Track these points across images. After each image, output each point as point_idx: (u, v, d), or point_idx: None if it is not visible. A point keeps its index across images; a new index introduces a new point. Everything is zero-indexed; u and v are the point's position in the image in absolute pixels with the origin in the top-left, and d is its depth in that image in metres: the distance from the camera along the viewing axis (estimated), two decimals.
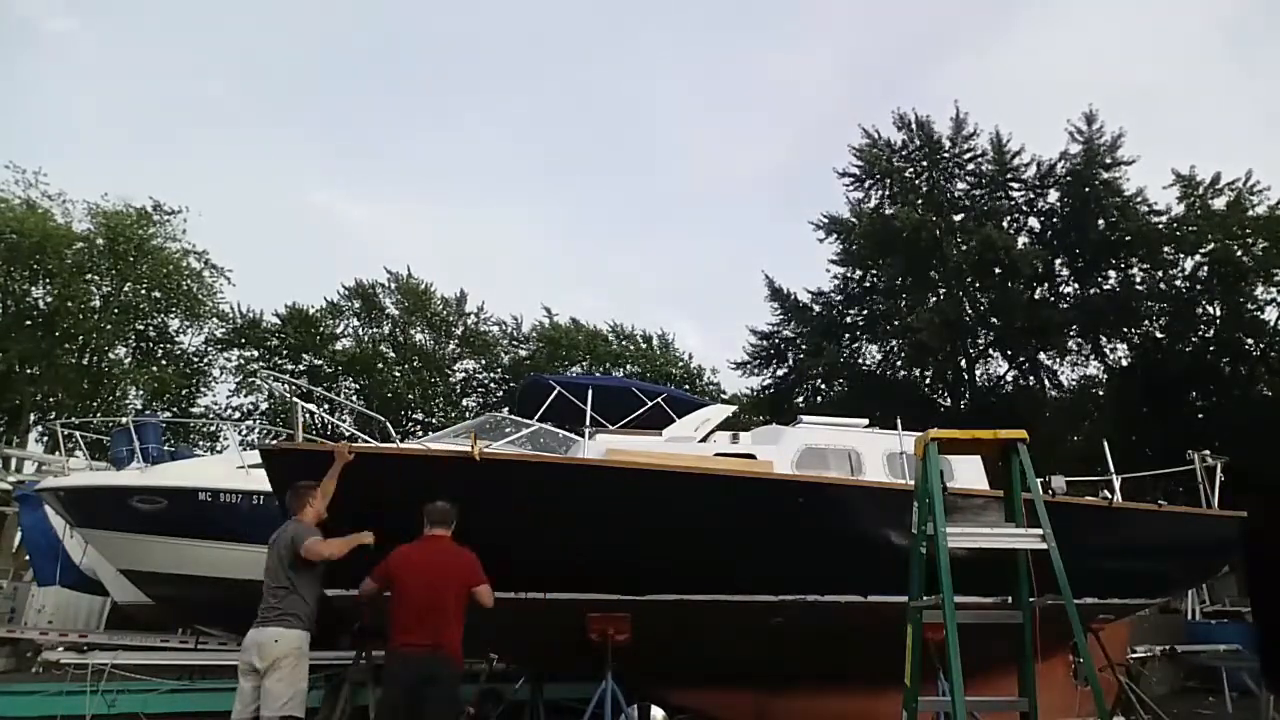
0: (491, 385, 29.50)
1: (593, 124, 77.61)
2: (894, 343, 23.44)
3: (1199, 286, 20.09)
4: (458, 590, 4.69)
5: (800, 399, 24.20)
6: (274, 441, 8.43)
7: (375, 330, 28.99)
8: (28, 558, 11.26)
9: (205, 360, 26.21)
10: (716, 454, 7.30)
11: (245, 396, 26.58)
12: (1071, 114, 24.20)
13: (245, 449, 9.25)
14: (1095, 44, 64.43)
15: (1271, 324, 19.38)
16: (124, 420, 10.17)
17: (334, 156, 70.69)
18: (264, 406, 26.20)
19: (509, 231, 66.57)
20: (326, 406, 18.35)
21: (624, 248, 69.11)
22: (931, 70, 70.44)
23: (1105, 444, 8.06)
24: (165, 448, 11.24)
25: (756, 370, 25.22)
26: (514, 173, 74.81)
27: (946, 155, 22.71)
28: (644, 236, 69.93)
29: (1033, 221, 22.78)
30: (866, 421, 8.34)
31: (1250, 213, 19.14)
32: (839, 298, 24.55)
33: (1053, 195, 22.21)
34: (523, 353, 29.31)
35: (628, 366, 28.52)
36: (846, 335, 24.50)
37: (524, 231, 67.53)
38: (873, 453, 7.50)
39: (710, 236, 70.29)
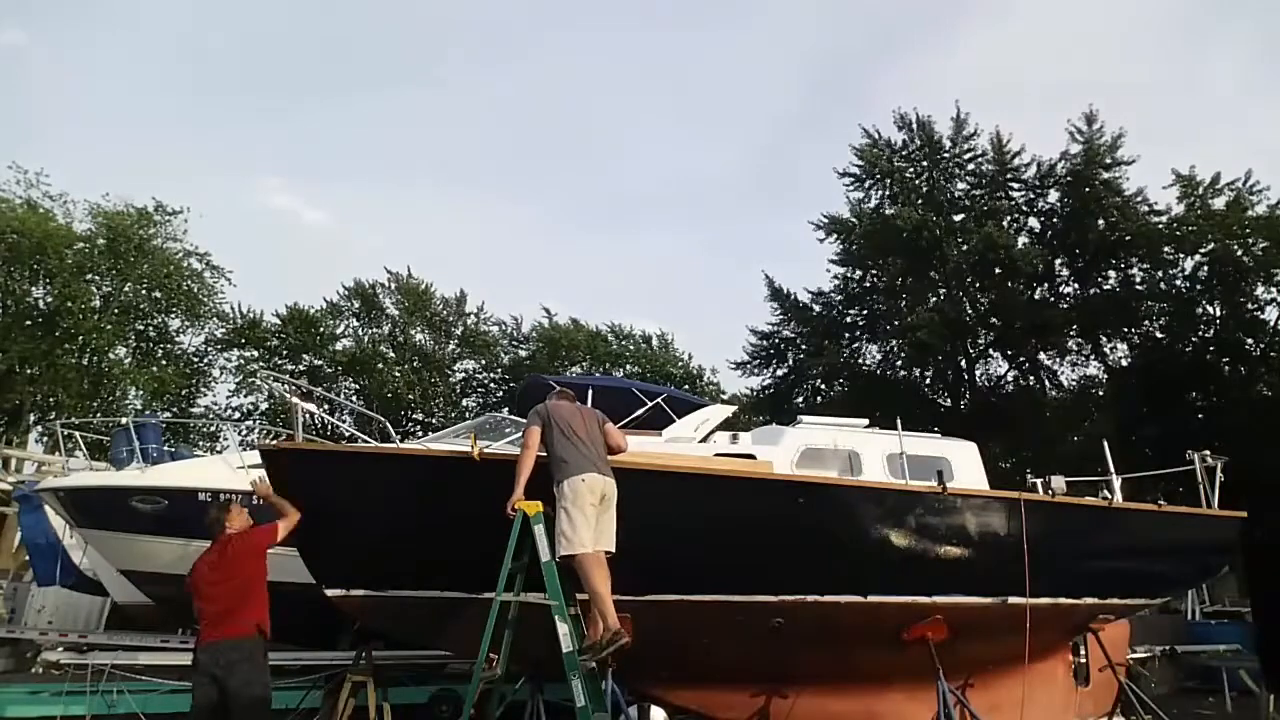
0: (491, 385, 29.53)
1: (576, 126, 77.54)
2: (894, 343, 23.42)
3: (1199, 286, 20.08)
4: (247, 576, 4.88)
5: (800, 399, 24.19)
6: (274, 441, 8.44)
7: (375, 330, 29.01)
8: (28, 558, 11.24)
9: (205, 360, 26.25)
10: (716, 454, 7.29)
11: (245, 396, 26.64)
12: (1067, 111, 24.23)
13: (245, 449, 9.24)
14: (1091, 39, 64.42)
15: (1271, 324, 19.37)
16: (124, 420, 10.15)
17: (328, 158, 70.57)
18: (264, 406, 26.24)
19: (482, 233, 66.76)
20: (326, 406, 18.34)
21: (585, 251, 69.39)
22: (918, 68, 70.51)
23: (1105, 444, 8.04)
24: (165, 448, 11.23)
25: (756, 370, 25.24)
26: (495, 174, 74.92)
27: (947, 155, 22.70)
28: (612, 238, 70.16)
29: (1033, 221, 22.79)
30: (866, 421, 8.32)
31: (1250, 212, 19.13)
32: (839, 298, 24.54)
33: (1053, 195, 22.22)
34: (523, 353, 29.34)
35: (627, 366, 28.54)
36: (846, 335, 24.51)
37: (498, 234, 67.65)
38: (873, 453, 7.49)
39: (680, 237, 70.47)
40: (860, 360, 24.54)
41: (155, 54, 62.07)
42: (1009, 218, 22.36)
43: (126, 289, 22.96)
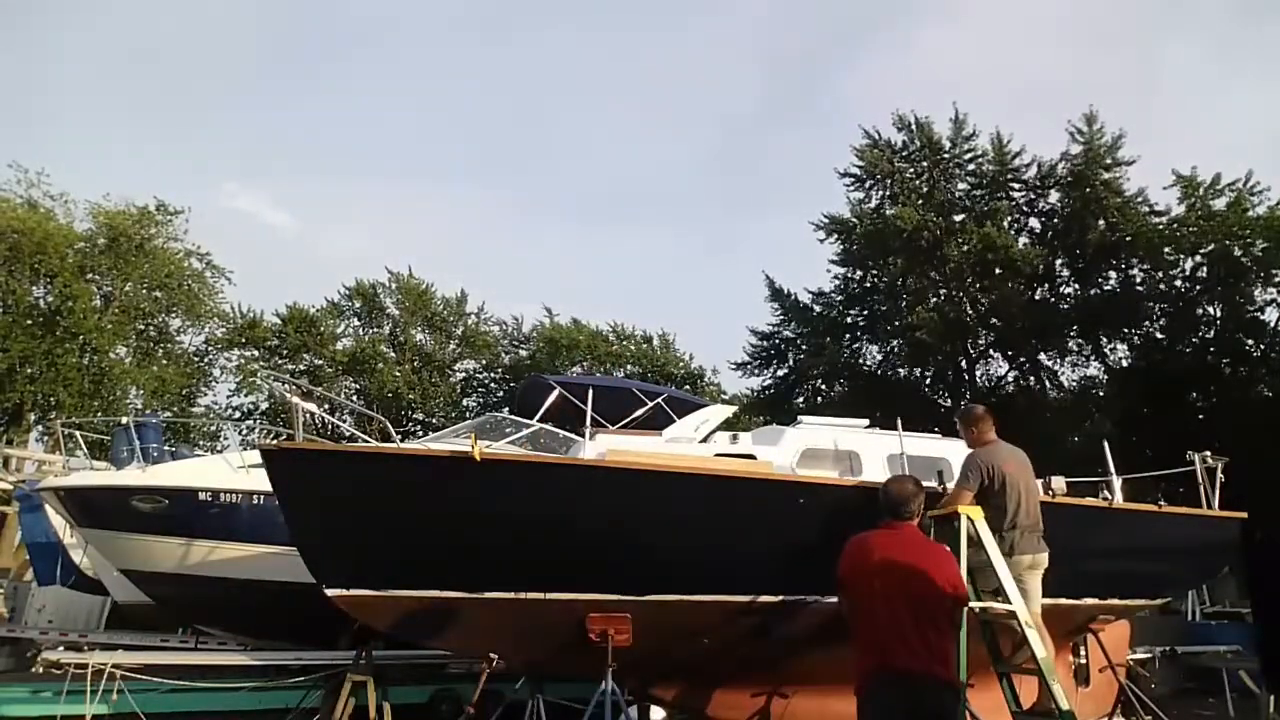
0: (491, 385, 29.56)
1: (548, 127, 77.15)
2: (894, 343, 23.45)
3: (1199, 287, 20.08)
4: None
5: (800, 399, 24.22)
6: (274, 441, 8.43)
7: (375, 330, 29.03)
8: (28, 557, 11.25)
9: (205, 360, 26.28)
10: (716, 454, 7.28)
11: (245, 396, 26.66)
12: (1054, 111, 24.22)
13: (245, 449, 9.24)
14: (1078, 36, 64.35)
15: (1271, 324, 19.38)
16: (124, 420, 10.15)
17: (320, 156, 70.29)
18: (264, 406, 26.24)
19: (478, 231, 66.60)
20: (326, 406, 18.35)
21: (585, 250, 69.34)
22: (913, 62, 70.48)
23: (1105, 444, 8.03)
24: (165, 448, 11.24)
25: (757, 371, 25.28)
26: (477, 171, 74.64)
27: (947, 156, 22.73)
28: (611, 237, 70.10)
29: (1033, 222, 22.86)
30: (867, 422, 8.31)
31: (1250, 213, 19.12)
32: (839, 298, 24.59)
33: (1053, 195, 22.25)
34: (523, 353, 29.36)
35: (628, 367, 28.55)
36: (847, 335, 24.53)
37: (496, 232, 67.45)
38: (873, 453, 7.48)
39: (682, 237, 70.41)
40: (860, 360, 24.57)
41: (93, 57, 61.34)
42: (1009, 218, 22.37)
43: (127, 288, 23.01)
